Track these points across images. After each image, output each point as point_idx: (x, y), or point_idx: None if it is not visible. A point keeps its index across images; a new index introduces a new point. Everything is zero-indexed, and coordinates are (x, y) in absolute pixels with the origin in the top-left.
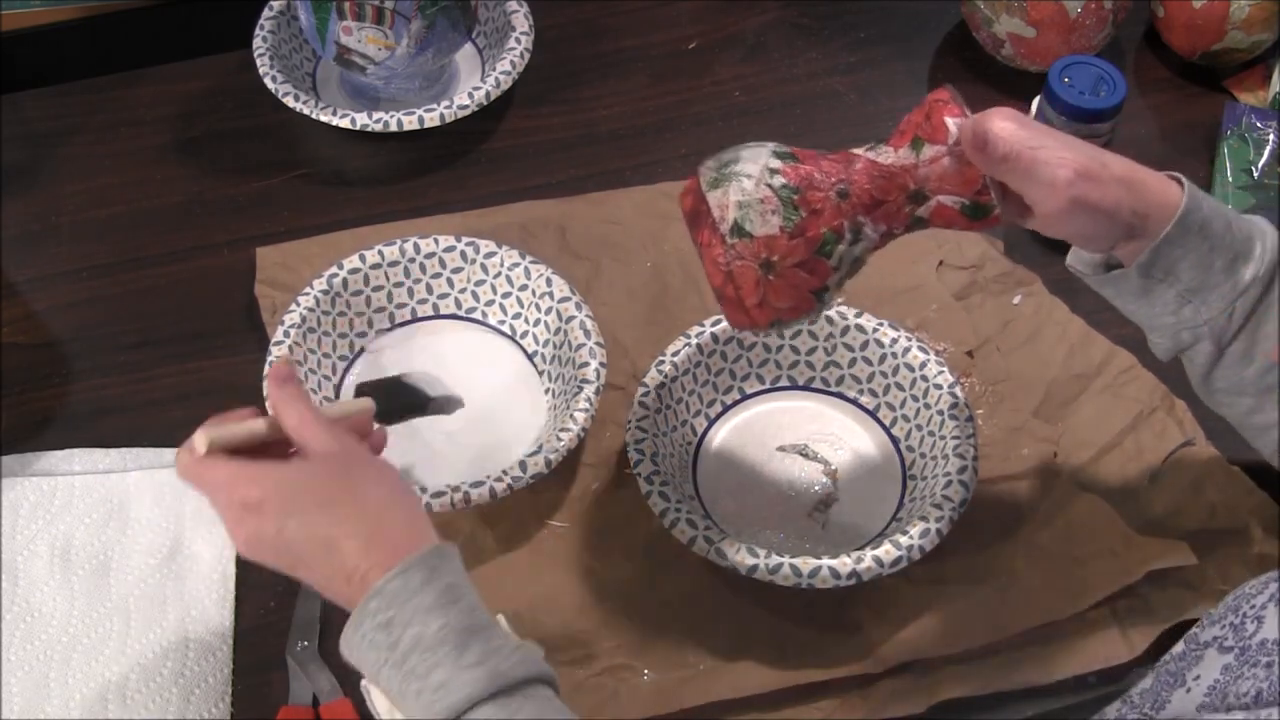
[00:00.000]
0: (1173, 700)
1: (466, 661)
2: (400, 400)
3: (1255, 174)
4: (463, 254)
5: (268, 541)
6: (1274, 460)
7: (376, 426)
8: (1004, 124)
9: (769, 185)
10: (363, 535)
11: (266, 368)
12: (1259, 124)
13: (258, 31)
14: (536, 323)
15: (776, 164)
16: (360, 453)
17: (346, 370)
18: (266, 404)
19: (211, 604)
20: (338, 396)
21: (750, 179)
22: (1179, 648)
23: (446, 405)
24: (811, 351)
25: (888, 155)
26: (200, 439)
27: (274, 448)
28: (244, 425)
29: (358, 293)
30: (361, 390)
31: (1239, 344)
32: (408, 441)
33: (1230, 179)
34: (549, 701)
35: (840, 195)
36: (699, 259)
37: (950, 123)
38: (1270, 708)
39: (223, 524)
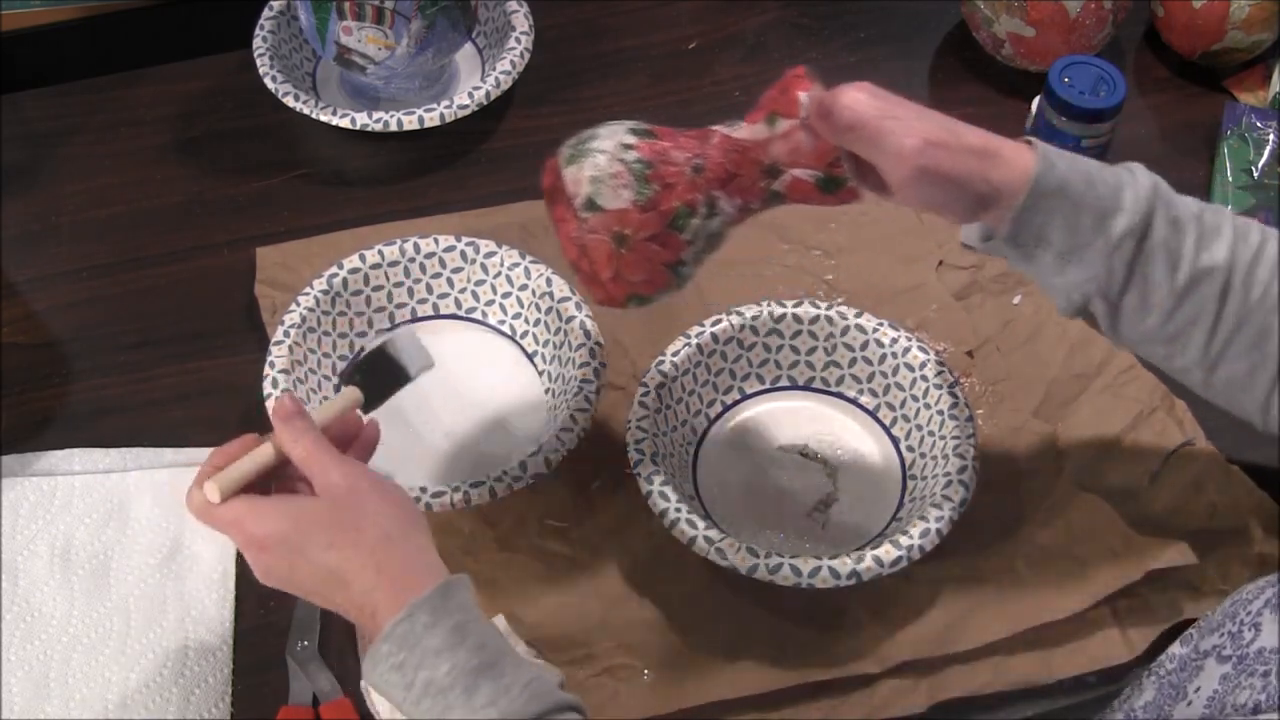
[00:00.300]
0: (1175, 714)
1: (477, 703)
2: (384, 378)
3: (1255, 174)
4: (463, 254)
5: (282, 576)
6: (1204, 393)
7: (368, 419)
8: (854, 95)
9: (622, 160)
10: (369, 569)
11: (266, 366)
12: (1259, 124)
13: (258, 31)
14: (536, 323)
15: (631, 140)
16: (366, 484)
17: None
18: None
19: (211, 604)
20: None
21: (604, 154)
22: (1177, 649)
23: (421, 372)
24: (811, 351)
25: (743, 130)
26: (212, 489)
27: (287, 467)
28: (252, 459)
29: (358, 293)
30: (349, 375)
31: (1131, 297)
32: (409, 442)
33: (1230, 179)
34: None
35: (695, 170)
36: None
37: (801, 96)
38: (1269, 714)
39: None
